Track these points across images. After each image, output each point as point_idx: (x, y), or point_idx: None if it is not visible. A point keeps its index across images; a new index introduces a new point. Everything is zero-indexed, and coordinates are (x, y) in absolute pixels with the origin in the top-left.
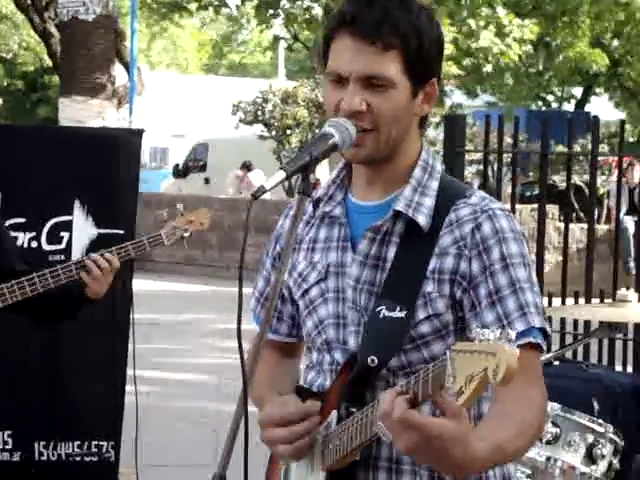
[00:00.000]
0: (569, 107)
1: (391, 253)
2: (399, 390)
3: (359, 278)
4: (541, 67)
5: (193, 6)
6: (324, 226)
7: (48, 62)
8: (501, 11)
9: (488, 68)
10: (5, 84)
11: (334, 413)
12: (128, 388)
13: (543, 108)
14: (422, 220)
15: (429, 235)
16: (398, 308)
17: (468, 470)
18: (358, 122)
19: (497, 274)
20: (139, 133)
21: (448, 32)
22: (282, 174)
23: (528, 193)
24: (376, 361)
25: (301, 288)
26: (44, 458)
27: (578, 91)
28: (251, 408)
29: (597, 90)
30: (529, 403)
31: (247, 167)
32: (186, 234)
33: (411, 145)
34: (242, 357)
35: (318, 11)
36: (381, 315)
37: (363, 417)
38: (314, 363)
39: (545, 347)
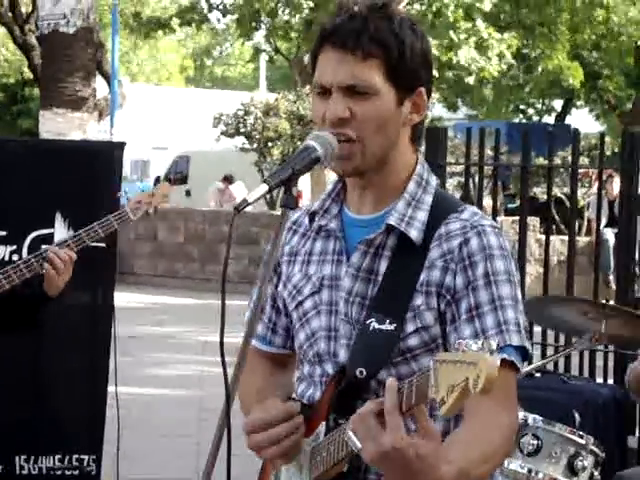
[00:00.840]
0: (550, 120)
1: (383, 266)
2: (380, 401)
3: (351, 291)
4: (521, 80)
5: (175, 22)
6: (320, 239)
7: (29, 74)
8: (481, 24)
9: (470, 80)
10: None
11: (323, 424)
12: (109, 401)
13: (524, 121)
14: (414, 234)
15: (420, 249)
16: (388, 321)
17: None
18: (342, 131)
19: (479, 290)
20: (121, 146)
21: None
22: (265, 187)
23: (510, 205)
24: (364, 373)
25: (295, 300)
26: (25, 472)
27: (558, 104)
28: (234, 421)
29: (577, 103)
30: (497, 427)
31: (228, 180)
32: (150, 209)
33: (402, 157)
34: (225, 368)
35: (299, 23)
36: (371, 328)
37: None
38: (305, 375)
39: (521, 366)
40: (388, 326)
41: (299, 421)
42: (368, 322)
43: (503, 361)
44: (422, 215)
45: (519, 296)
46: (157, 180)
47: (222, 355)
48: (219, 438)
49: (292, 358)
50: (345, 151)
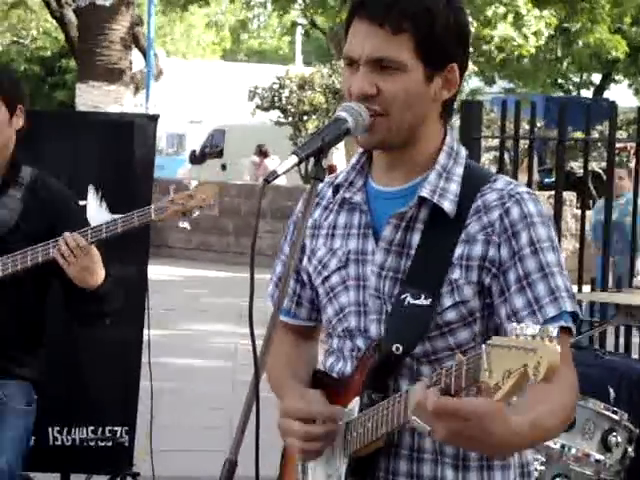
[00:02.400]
0: (588, 94)
1: (415, 240)
2: (429, 383)
3: (383, 265)
4: (560, 54)
5: None
6: (343, 212)
7: (66, 46)
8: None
9: (503, 55)
10: (23, 69)
11: (356, 400)
12: (143, 373)
13: (562, 95)
14: (447, 206)
15: (454, 221)
16: (423, 296)
17: (512, 446)
18: (369, 106)
19: (526, 259)
20: (154, 118)
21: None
22: (294, 159)
23: (547, 180)
24: (401, 349)
25: (321, 275)
26: (58, 443)
27: (597, 78)
28: (263, 393)
29: (616, 77)
30: (564, 383)
31: (263, 153)
32: (184, 213)
33: (432, 131)
34: (254, 342)
35: None
36: (405, 302)
37: (389, 406)
38: (334, 348)
39: (575, 330)
40: (423, 301)
41: (335, 428)
42: (402, 297)
43: (561, 327)
44: (454, 187)
45: (563, 261)
46: (193, 154)
47: (251, 327)
48: (248, 410)
49: (316, 330)
50: (371, 125)
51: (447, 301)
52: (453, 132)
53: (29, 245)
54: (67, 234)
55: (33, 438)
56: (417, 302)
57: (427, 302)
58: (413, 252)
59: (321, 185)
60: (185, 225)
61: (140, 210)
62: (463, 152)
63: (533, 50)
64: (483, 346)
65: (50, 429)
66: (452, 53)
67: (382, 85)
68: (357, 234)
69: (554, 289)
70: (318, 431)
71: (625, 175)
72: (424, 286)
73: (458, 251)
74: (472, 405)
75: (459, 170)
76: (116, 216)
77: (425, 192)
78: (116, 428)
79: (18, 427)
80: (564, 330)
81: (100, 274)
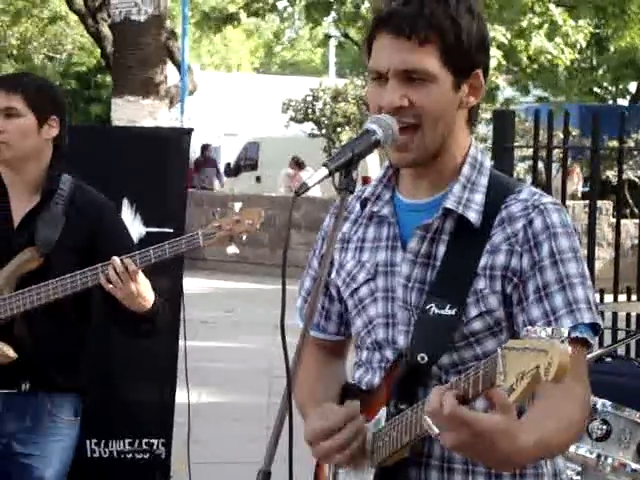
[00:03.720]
0: (624, 103)
1: (441, 251)
2: (448, 387)
3: (410, 276)
4: (594, 62)
5: (243, 15)
6: (372, 225)
7: (101, 62)
8: (554, 9)
9: (536, 66)
10: (58, 84)
11: (383, 410)
12: (179, 385)
13: (596, 104)
14: (473, 216)
15: (479, 232)
16: (448, 306)
17: (512, 462)
18: (402, 118)
19: (546, 270)
20: (188, 132)
21: (496, 32)
22: (324, 171)
23: (584, 189)
24: (426, 358)
25: (350, 287)
26: (96, 455)
27: (633, 87)
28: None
29: None
30: (574, 399)
31: (299, 165)
32: (240, 239)
33: (459, 141)
34: (286, 354)
35: (367, 8)
36: (431, 313)
37: (413, 414)
38: (363, 361)
39: (594, 342)
40: (448, 311)
41: (361, 420)
42: (428, 307)
43: (575, 339)
44: (479, 197)
45: (586, 272)
46: (227, 166)
47: (283, 340)
48: (281, 421)
49: (345, 345)
50: (404, 142)
51: (473, 311)
52: (477, 143)
53: (72, 259)
54: (116, 258)
55: None
56: (442, 312)
57: (452, 312)
58: (439, 263)
59: (349, 199)
60: (234, 251)
61: (188, 236)
62: (487, 162)
63: (569, 62)
64: (498, 350)
65: (88, 442)
66: (477, 60)
67: (413, 97)
68: (385, 246)
69: (572, 301)
70: (344, 436)
71: None
72: (449, 296)
73: (483, 261)
74: (487, 423)
75: (483, 180)
76: (150, 230)
77: (450, 203)
78: (153, 440)
79: (66, 438)
80: (580, 342)
81: (149, 298)
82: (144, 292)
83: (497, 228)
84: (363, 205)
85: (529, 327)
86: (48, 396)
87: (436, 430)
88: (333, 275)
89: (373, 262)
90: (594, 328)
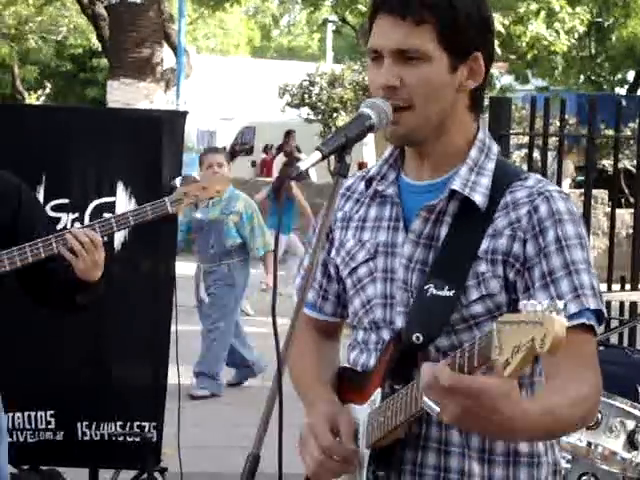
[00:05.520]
0: (622, 92)
1: (443, 232)
2: (441, 363)
3: (412, 257)
4: (593, 51)
5: None
6: (375, 205)
7: (97, 44)
8: None
9: (534, 53)
10: (54, 65)
11: (378, 391)
12: (170, 369)
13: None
14: (479, 199)
15: (483, 216)
16: (447, 287)
17: (518, 430)
18: (393, 99)
19: (552, 256)
20: (183, 114)
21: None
22: (318, 155)
23: (580, 178)
24: (421, 338)
25: (348, 266)
26: (86, 438)
27: (632, 75)
28: (286, 388)
29: None
30: (582, 381)
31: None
32: (200, 202)
33: (462, 123)
34: (277, 340)
35: None
36: (428, 293)
37: (407, 393)
38: (358, 341)
39: (599, 329)
40: (447, 292)
41: (352, 469)
42: (426, 288)
43: (582, 325)
44: (485, 181)
45: (591, 259)
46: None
47: (274, 323)
48: (270, 405)
49: (339, 327)
50: (396, 118)
51: (474, 294)
52: (485, 128)
53: None
54: (76, 229)
55: (62, 433)
56: (440, 293)
57: (450, 293)
58: (440, 244)
59: (352, 179)
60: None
61: (153, 203)
62: (495, 148)
63: (565, 48)
64: (494, 324)
65: (79, 424)
66: (476, 42)
67: (405, 76)
68: (387, 227)
69: (577, 286)
70: (333, 467)
71: None
72: (448, 278)
73: (484, 245)
74: (486, 382)
75: (490, 165)
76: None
77: (456, 185)
78: (144, 424)
79: None
80: (586, 328)
81: (102, 267)
82: (102, 262)
83: (501, 212)
84: (368, 185)
85: (525, 301)
86: None
87: (436, 408)
88: (333, 254)
89: (373, 242)
90: (598, 316)
